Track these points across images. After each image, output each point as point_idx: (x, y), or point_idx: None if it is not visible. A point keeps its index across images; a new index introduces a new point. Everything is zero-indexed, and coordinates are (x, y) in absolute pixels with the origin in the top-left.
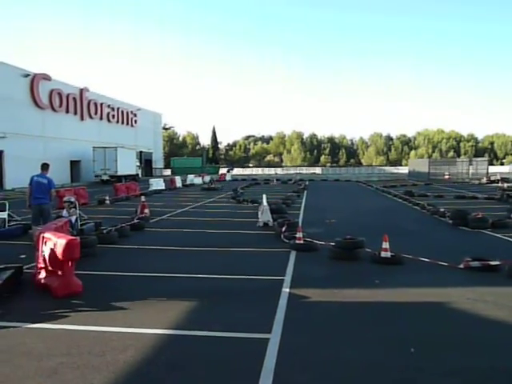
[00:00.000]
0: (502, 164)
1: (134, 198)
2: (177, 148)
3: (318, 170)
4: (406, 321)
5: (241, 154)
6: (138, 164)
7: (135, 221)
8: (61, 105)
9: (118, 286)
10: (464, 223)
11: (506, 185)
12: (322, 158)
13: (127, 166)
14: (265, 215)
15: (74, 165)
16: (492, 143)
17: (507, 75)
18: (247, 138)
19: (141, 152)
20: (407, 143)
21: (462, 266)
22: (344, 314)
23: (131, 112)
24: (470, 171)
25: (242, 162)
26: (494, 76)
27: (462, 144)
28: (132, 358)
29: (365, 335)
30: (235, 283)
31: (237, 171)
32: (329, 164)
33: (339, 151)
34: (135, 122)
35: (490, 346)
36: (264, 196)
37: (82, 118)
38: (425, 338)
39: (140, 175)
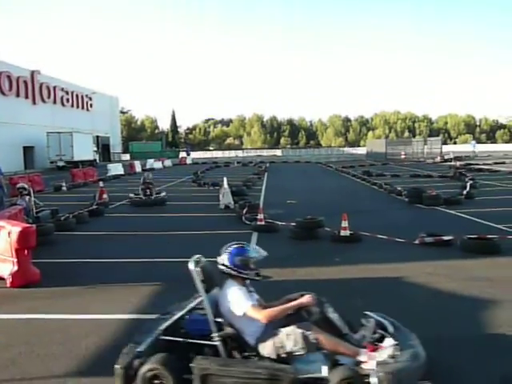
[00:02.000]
0: (455, 143)
1: (91, 183)
2: (135, 132)
3: (278, 152)
4: (365, 297)
5: (201, 138)
6: (95, 149)
7: (94, 207)
8: (10, 88)
9: (77, 274)
10: (419, 201)
11: (458, 163)
12: (282, 140)
13: (84, 151)
14: (226, 198)
15: (28, 151)
16: (446, 123)
17: (460, 57)
18: (207, 121)
19: (98, 137)
20: (365, 124)
21: (417, 241)
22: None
23: (86, 96)
24: (425, 151)
25: (203, 146)
26: (448, 58)
27: (417, 124)
28: (93, 345)
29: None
30: None
31: (197, 155)
32: (289, 146)
33: (299, 133)
34: (91, 105)
35: (441, 316)
36: (225, 179)
37: (34, 102)
38: (382, 311)
39: (98, 160)
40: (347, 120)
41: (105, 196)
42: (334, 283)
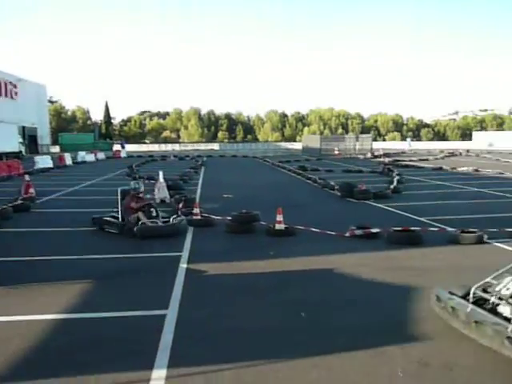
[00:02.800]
0: (384, 140)
1: (17, 177)
2: (65, 123)
3: (215, 146)
4: (297, 288)
5: (136, 130)
6: (21, 140)
7: (19, 202)
8: None
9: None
10: (351, 195)
11: (387, 159)
12: (220, 134)
13: (7, 142)
14: (162, 192)
15: None
16: (376, 121)
17: (389, 59)
18: (142, 113)
19: (23, 127)
20: (301, 120)
21: (347, 234)
22: (240, 286)
23: (10, 83)
24: (357, 147)
25: (138, 138)
26: (379, 59)
27: (349, 121)
28: (18, 348)
29: (260, 304)
30: (131, 262)
31: (132, 147)
32: (226, 140)
33: (236, 127)
34: (16, 93)
35: (369, 304)
36: (161, 172)
37: None
38: (314, 302)
39: (24, 152)
40: (284, 115)
41: (31, 190)
42: (269, 276)
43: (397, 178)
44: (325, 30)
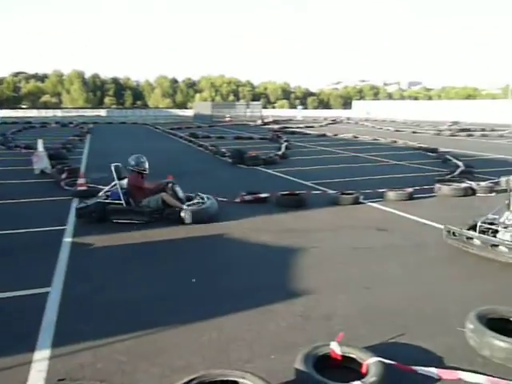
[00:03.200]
0: (273, 107)
1: None
2: None
3: (102, 113)
4: (188, 255)
5: (9, 93)
6: None
7: None
8: None
9: None
10: (241, 161)
11: (276, 126)
12: (107, 100)
13: None
14: (41, 162)
15: None
16: (266, 89)
17: (277, 30)
18: (16, 74)
19: None
20: (192, 86)
21: (238, 200)
22: (128, 257)
23: None
24: (248, 114)
25: (12, 103)
26: (266, 29)
27: (240, 89)
28: None
29: (149, 273)
30: (10, 239)
31: (6, 113)
32: (114, 106)
33: (125, 93)
34: None
35: (257, 266)
36: (40, 141)
37: None
38: (205, 267)
39: None
40: (175, 81)
41: None
42: (158, 244)
43: (285, 144)
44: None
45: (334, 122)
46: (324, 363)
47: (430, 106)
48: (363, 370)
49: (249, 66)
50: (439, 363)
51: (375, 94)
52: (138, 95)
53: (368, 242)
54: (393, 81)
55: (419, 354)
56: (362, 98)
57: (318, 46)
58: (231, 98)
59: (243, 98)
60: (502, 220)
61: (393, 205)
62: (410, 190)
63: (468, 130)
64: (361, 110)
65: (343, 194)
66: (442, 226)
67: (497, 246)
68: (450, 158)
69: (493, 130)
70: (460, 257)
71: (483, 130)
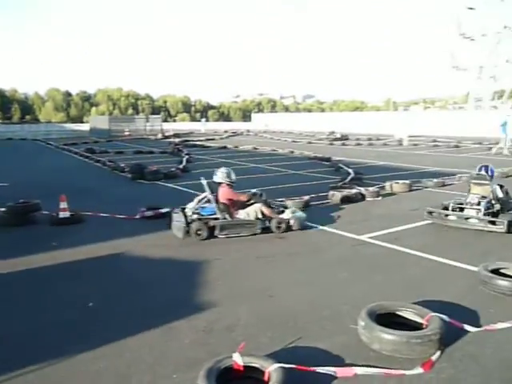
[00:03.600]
0: (174, 121)
1: None
2: None
3: None
4: (84, 277)
5: None
6: None
7: None
8: None
9: None
10: (141, 176)
11: (177, 140)
12: None
13: None
14: None
15: None
16: (165, 102)
17: (178, 42)
18: None
19: None
20: (88, 99)
21: (138, 216)
22: (19, 284)
23: None
24: (148, 128)
25: None
26: (167, 42)
27: (139, 102)
28: None
29: (42, 299)
30: None
31: None
32: (0, 121)
33: (11, 106)
34: None
35: (158, 284)
36: None
37: None
38: (105, 289)
39: None
40: (68, 94)
41: None
42: (51, 269)
43: (186, 157)
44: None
45: (235, 134)
46: (227, 376)
47: (323, 118)
48: (265, 377)
49: (147, 79)
50: (336, 361)
51: (273, 106)
52: (27, 109)
53: (270, 250)
54: (289, 94)
55: (318, 354)
56: (260, 110)
57: (216, 59)
58: (130, 111)
59: (142, 111)
60: (468, 201)
61: None
62: (307, 197)
63: (346, 137)
64: (260, 122)
65: None
66: (335, 230)
67: (469, 218)
68: (342, 166)
69: (378, 139)
70: (354, 258)
71: (370, 139)
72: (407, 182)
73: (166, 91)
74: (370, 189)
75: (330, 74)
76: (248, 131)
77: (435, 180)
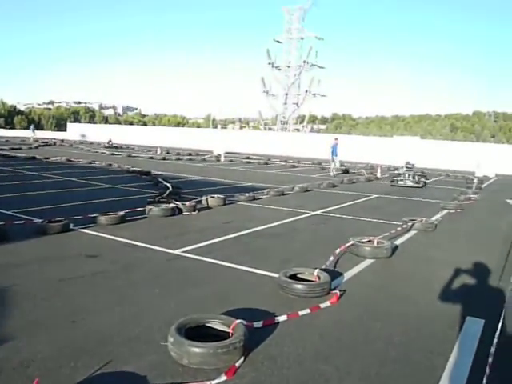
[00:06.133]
0: None
1: None
2: None
3: None
4: None
5: None
6: None
7: None
8: None
9: None
10: None
11: None
12: None
13: None
14: None
15: None
16: None
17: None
18: None
19: None
20: None
21: None
22: None
23: None
24: None
25: None
26: None
27: None
28: None
29: None
30: None
31: None
32: None
33: None
34: None
35: None
36: None
37: None
38: None
39: None
40: None
41: None
42: None
43: None
44: None
45: (46, 144)
46: None
47: (145, 131)
48: None
49: None
50: (143, 382)
51: (91, 116)
52: None
53: (76, 271)
54: (109, 104)
55: (124, 378)
56: (77, 120)
57: (26, 58)
58: None
59: None
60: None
61: (104, 229)
62: (122, 213)
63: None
64: (76, 132)
65: (51, 222)
66: (149, 246)
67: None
68: (161, 180)
69: (197, 155)
70: (167, 273)
71: (190, 154)
72: (222, 196)
73: None
74: (187, 203)
75: (153, 88)
76: (62, 141)
77: (247, 194)
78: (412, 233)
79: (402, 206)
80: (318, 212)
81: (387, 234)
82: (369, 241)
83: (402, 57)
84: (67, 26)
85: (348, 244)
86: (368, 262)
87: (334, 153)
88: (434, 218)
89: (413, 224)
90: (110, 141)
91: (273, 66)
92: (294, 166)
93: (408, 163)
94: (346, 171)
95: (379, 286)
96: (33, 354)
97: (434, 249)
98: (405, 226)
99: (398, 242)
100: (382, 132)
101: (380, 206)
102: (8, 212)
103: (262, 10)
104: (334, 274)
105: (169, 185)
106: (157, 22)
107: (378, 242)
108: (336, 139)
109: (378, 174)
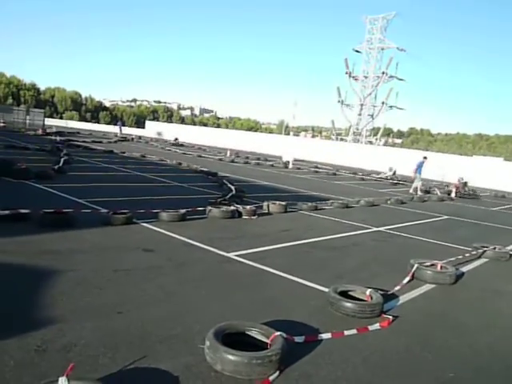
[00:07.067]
0: (61, 118)
1: None
2: None
3: None
4: None
5: None
6: None
7: None
8: None
9: None
10: (8, 174)
11: (59, 138)
12: None
13: None
14: None
15: None
16: (53, 96)
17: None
18: None
19: None
20: None
21: None
22: None
23: None
24: (28, 121)
25: None
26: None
27: (22, 92)
28: None
29: None
30: None
31: None
32: None
33: None
34: None
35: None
36: None
37: None
38: None
39: None
40: None
41: None
42: None
43: (64, 158)
44: None
45: (125, 139)
46: None
47: (219, 134)
48: None
49: (34, 67)
50: (173, 383)
51: (169, 116)
52: None
53: (131, 263)
54: (187, 105)
55: (157, 376)
56: (155, 118)
57: (114, 59)
58: (10, 100)
59: (25, 102)
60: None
61: (165, 225)
62: (183, 211)
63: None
64: (153, 130)
65: (115, 213)
66: (204, 246)
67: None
68: (226, 182)
69: (266, 160)
70: (217, 275)
71: (258, 158)
72: (283, 203)
73: (56, 83)
74: (248, 207)
75: (230, 91)
76: (140, 138)
77: (309, 203)
78: (482, 260)
79: (474, 230)
80: (382, 228)
81: (453, 258)
82: (432, 265)
83: (488, 73)
84: (154, 36)
85: (413, 270)
86: (428, 286)
87: (419, 171)
88: (509, 248)
89: (484, 251)
90: (177, 139)
91: (350, 76)
92: (362, 179)
93: (461, 179)
94: (427, 191)
95: (437, 314)
96: (76, 339)
97: (505, 281)
98: (474, 252)
99: (464, 268)
100: (462, 150)
101: (449, 228)
102: (79, 200)
103: (340, 17)
104: (389, 296)
105: (233, 187)
106: (235, 30)
107: (441, 267)
108: (425, 157)
109: (453, 194)
